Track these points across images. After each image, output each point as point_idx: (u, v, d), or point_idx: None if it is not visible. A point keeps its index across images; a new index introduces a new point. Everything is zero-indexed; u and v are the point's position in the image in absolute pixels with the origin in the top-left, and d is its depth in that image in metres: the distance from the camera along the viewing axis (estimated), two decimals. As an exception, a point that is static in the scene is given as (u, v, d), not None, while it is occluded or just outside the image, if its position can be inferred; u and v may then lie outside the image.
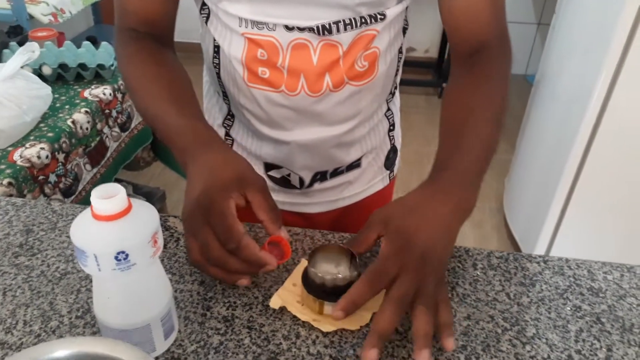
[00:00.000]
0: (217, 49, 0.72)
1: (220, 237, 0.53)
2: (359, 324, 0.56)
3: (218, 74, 0.75)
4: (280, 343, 0.54)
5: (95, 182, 1.41)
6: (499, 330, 0.57)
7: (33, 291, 0.59)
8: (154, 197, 1.76)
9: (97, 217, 0.44)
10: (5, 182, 1.07)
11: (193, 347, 0.54)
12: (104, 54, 1.49)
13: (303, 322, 0.56)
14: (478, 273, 0.64)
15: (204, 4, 0.71)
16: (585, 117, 1.55)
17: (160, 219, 0.70)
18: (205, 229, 0.53)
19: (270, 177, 0.83)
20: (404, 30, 0.76)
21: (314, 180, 0.82)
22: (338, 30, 0.66)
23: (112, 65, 1.46)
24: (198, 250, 0.54)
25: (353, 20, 0.66)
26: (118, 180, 1.59)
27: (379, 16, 0.67)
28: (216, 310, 0.58)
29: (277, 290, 0.60)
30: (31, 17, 1.76)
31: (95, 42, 1.58)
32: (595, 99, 1.51)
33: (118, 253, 0.43)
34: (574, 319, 0.58)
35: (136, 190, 1.73)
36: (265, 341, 0.55)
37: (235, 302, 0.59)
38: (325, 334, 0.55)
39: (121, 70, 0.71)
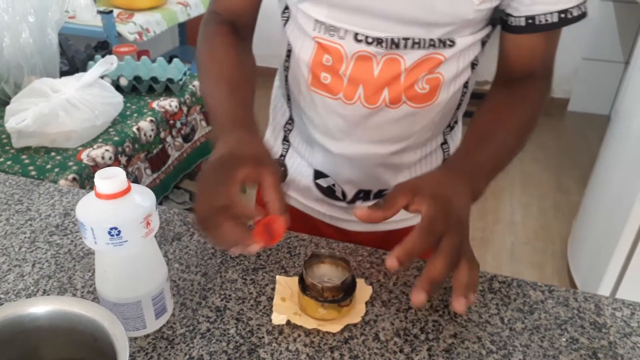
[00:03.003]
0: (289, 52, 0.77)
1: (214, 195, 0.54)
2: (360, 316, 0.59)
3: (286, 77, 0.79)
4: (263, 337, 0.57)
5: (154, 187, 1.51)
6: (484, 352, 0.55)
7: (57, 266, 0.66)
8: (209, 206, 1.84)
9: (98, 195, 0.49)
10: (70, 177, 1.19)
11: (182, 331, 0.57)
12: (174, 69, 1.61)
13: (288, 320, 0.58)
14: (476, 295, 0.63)
15: (286, 7, 0.76)
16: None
17: (181, 214, 0.76)
18: (207, 189, 0.55)
19: (317, 185, 0.86)
20: (473, 65, 0.75)
21: (357, 196, 0.84)
22: (405, 47, 0.68)
23: (180, 80, 1.58)
24: (204, 207, 0.55)
25: (422, 40, 0.67)
26: (177, 187, 1.69)
27: (448, 42, 0.68)
28: (211, 300, 0.61)
29: (273, 289, 0.63)
30: (119, 34, 1.95)
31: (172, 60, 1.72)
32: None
33: (111, 229, 0.48)
34: (567, 351, 0.56)
35: (192, 198, 1.83)
36: (249, 333, 0.57)
37: (230, 295, 0.62)
38: (307, 334, 0.57)
39: (197, 44, 0.78)
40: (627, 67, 3.19)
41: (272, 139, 0.91)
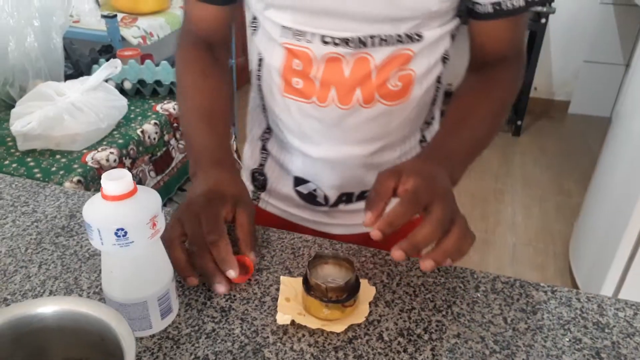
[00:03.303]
0: (260, 61, 0.77)
1: (206, 228, 0.59)
2: (363, 316, 0.59)
3: (260, 86, 0.80)
4: (268, 337, 0.57)
5: (158, 189, 1.52)
6: (487, 352, 0.56)
7: (64, 267, 0.67)
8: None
9: (105, 196, 0.50)
10: (75, 179, 1.20)
11: (187, 331, 0.58)
12: (178, 72, 1.62)
13: (292, 320, 0.59)
14: (479, 295, 0.63)
15: (254, 17, 0.76)
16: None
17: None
18: (195, 219, 0.60)
19: (298, 192, 0.86)
20: (444, 60, 0.76)
21: (339, 200, 0.84)
22: (373, 45, 0.68)
23: (183, 83, 1.59)
24: (178, 232, 0.60)
25: (389, 37, 0.68)
26: (181, 190, 1.70)
27: (415, 36, 0.69)
28: (216, 301, 0.62)
29: (277, 289, 0.63)
30: (123, 38, 1.96)
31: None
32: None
33: (118, 230, 0.49)
34: (570, 351, 0.56)
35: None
36: (254, 333, 0.58)
37: (234, 296, 0.62)
38: (312, 334, 0.58)
39: (176, 70, 0.81)
40: (628, 69, 3.19)
41: (249, 150, 0.92)
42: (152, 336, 0.57)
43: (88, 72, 1.60)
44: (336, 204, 0.85)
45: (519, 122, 3.15)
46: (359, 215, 0.86)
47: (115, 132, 1.39)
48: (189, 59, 0.78)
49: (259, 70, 0.79)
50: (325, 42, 0.69)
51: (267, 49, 0.75)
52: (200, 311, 0.60)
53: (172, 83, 1.58)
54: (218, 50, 0.81)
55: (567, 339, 0.58)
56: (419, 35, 0.69)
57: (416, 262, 0.68)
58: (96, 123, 1.32)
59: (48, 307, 0.44)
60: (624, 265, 1.63)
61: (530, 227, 2.38)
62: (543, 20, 2.84)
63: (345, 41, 0.68)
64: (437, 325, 0.59)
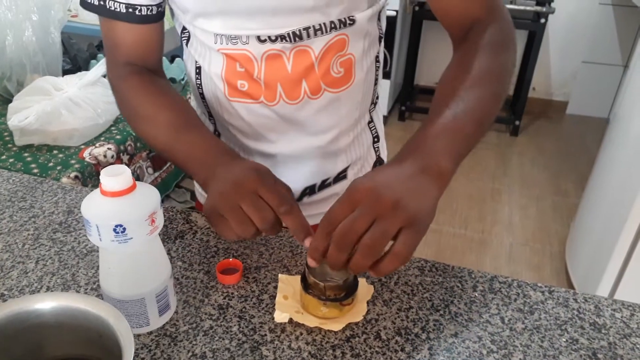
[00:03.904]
0: (198, 69, 0.76)
1: (274, 202, 0.56)
2: (361, 315, 0.59)
3: (202, 94, 0.79)
4: (265, 335, 0.57)
5: (156, 186, 1.51)
6: (484, 352, 0.56)
7: (61, 263, 0.66)
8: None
9: (103, 192, 0.50)
10: (72, 175, 1.19)
11: (185, 328, 0.58)
12: (176, 69, 1.62)
13: (290, 318, 0.59)
14: (476, 295, 0.63)
15: (184, 28, 0.74)
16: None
17: (184, 212, 0.76)
18: (256, 199, 0.55)
19: None
20: (380, 39, 0.77)
21: (303, 194, 0.84)
22: (309, 36, 0.68)
23: (182, 79, 1.59)
24: (249, 224, 0.56)
25: (323, 26, 0.68)
26: (178, 186, 1.69)
27: (348, 21, 0.69)
28: (214, 298, 0.62)
29: (275, 287, 0.63)
30: (121, 33, 1.95)
31: (173, 59, 1.72)
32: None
33: (116, 226, 0.49)
34: (567, 351, 0.56)
35: (193, 197, 1.83)
36: (252, 331, 0.58)
37: (232, 293, 0.62)
38: (309, 332, 0.58)
39: (124, 103, 0.74)
40: (626, 70, 3.20)
41: None
42: (150, 333, 0.57)
43: (86, 67, 1.59)
44: (300, 198, 0.85)
45: (517, 122, 3.15)
46: (323, 204, 0.86)
47: (113, 128, 1.39)
48: (133, 86, 0.73)
49: (198, 79, 0.77)
50: (262, 41, 0.68)
51: (203, 57, 0.74)
52: (198, 308, 0.60)
53: (170, 79, 1.57)
54: (154, 71, 0.76)
55: (564, 339, 0.58)
56: (352, 19, 0.69)
57: (414, 261, 0.68)
58: (94, 118, 1.32)
59: (46, 303, 0.44)
60: (620, 266, 1.63)
61: (527, 227, 2.38)
62: (542, 21, 2.84)
63: (282, 37, 0.68)
64: (434, 325, 0.59)
